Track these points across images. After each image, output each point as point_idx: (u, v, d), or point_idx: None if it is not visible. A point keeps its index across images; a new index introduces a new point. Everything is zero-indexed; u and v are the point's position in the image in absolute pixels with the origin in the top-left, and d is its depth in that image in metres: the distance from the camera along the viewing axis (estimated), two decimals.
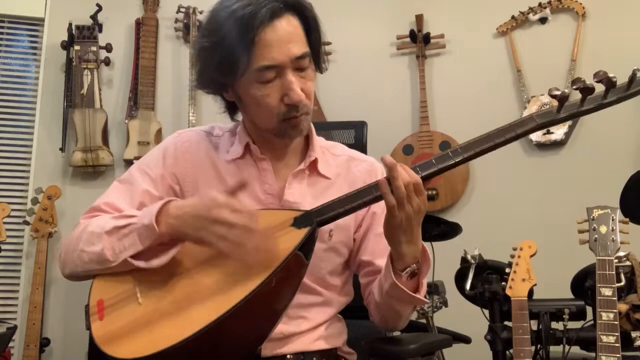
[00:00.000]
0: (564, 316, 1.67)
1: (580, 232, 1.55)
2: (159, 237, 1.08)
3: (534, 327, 1.66)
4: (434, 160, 1.12)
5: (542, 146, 2.93)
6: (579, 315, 1.70)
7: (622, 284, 1.51)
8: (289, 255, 1.05)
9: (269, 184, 1.27)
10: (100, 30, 2.99)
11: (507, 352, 1.71)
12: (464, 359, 2.25)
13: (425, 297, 1.24)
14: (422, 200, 1.10)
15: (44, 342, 2.58)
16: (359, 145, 1.95)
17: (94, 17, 3.01)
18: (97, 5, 3.02)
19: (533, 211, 2.88)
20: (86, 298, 1.11)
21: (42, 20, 3.05)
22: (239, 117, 1.33)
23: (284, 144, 1.29)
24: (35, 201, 2.67)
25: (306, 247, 1.09)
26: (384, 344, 1.39)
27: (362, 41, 3.28)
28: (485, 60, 3.14)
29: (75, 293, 2.69)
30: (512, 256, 1.65)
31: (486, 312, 1.77)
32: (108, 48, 2.98)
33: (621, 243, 1.50)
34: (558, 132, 2.86)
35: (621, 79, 1.11)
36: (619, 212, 1.54)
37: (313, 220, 1.10)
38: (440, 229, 2.29)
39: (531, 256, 1.62)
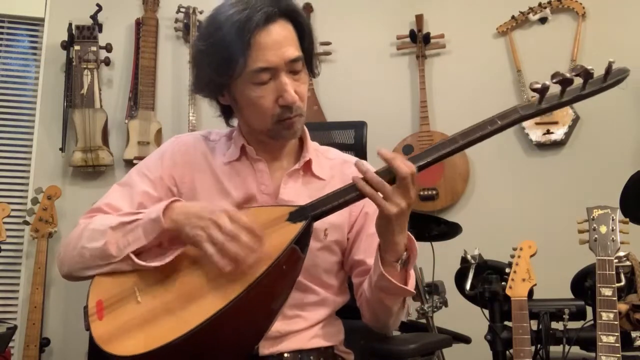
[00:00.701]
0: (564, 316, 1.67)
1: (580, 232, 1.55)
2: (162, 232, 1.10)
3: (534, 327, 1.67)
4: (425, 152, 1.14)
5: (542, 146, 2.93)
6: (579, 315, 1.70)
7: (622, 284, 1.52)
8: (285, 249, 1.06)
9: (265, 184, 1.29)
10: (100, 30, 2.99)
11: (507, 352, 1.72)
12: (464, 359, 2.25)
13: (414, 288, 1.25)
14: (416, 189, 1.15)
15: (44, 342, 2.59)
16: (359, 145, 1.94)
17: (94, 17, 3.01)
18: (97, 5, 3.03)
19: (533, 211, 2.88)
20: (86, 298, 1.12)
21: (42, 20, 3.05)
22: (234, 122, 1.36)
23: (279, 146, 1.32)
24: (35, 201, 2.68)
25: (302, 241, 1.10)
26: (384, 344, 1.39)
27: (362, 41, 3.27)
28: (485, 61, 3.14)
29: (75, 293, 2.70)
30: (512, 256, 1.65)
31: (486, 312, 1.77)
32: (108, 48, 2.98)
33: (621, 243, 1.50)
34: (558, 132, 2.86)
35: None
36: (619, 212, 1.54)
37: (308, 215, 1.12)
38: (440, 229, 2.29)
39: (531, 256, 1.63)
